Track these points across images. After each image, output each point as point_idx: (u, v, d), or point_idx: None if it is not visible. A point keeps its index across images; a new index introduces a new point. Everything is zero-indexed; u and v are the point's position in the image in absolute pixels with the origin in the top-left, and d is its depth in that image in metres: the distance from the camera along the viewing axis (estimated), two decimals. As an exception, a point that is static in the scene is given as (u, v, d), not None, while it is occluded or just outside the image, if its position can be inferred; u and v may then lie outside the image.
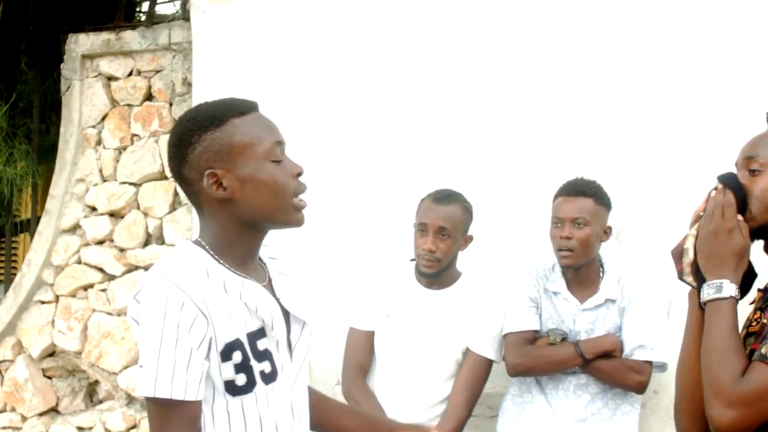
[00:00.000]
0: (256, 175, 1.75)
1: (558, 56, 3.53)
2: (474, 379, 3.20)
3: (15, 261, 4.72)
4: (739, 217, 1.86)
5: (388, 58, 3.73)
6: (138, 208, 4.33)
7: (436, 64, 3.66)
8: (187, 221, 4.19)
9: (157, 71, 4.32)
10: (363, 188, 3.71)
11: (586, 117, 3.50)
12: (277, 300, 1.83)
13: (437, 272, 3.19)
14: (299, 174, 1.80)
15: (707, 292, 1.84)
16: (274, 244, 1.93)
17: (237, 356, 1.71)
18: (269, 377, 1.76)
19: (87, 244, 4.42)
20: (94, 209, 4.42)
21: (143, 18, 4.37)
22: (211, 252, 1.77)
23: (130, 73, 4.39)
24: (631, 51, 3.48)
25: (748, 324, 1.88)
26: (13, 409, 4.52)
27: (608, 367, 3.09)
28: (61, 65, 4.46)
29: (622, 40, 3.50)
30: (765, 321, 1.81)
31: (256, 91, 3.77)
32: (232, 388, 1.72)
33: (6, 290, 4.73)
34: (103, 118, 4.42)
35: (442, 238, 3.15)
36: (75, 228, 4.46)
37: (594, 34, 3.52)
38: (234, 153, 1.75)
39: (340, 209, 3.71)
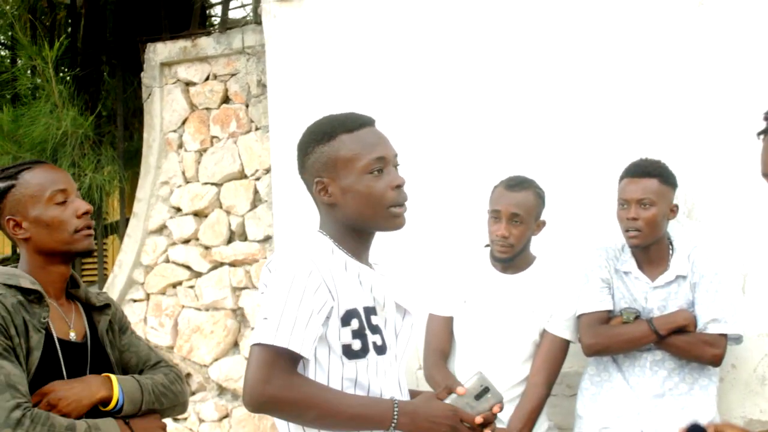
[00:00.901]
0: (355, 186, 2.02)
1: (623, 41, 3.58)
2: (551, 360, 3.28)
3: (105, 262, 4.96)
4: None
5: (456, 52, 3.82)
6: (220, 207, 4.53)
7: (505, 55, 3.74)
8: (267, 218, 4.37)
9: (233, 74, 4.51)
10: (439, 178, 3.82)
11: (655, 98, 3.54)
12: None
13: (511, 257, 3.28)
14: (398, 186, 2.04)
15: None
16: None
17: (355, 323, 1.96)
18: (380, 349, 2.01)
19: (174, 244, 4.64)
20: (178, 210, 4.64)
21: (217, 24, 4.52)
22: (333, 241, 2.05)
23: (207, 78, 4.59)
24: (694, 31, 3.51)
25: None
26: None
27: (682, 341, 3.13)
28: (141, 74, 4.69)
29: (686, 20, 3.53)
30: None
31: (328, 89, 3.92)
32: (348, 352, 1.96)
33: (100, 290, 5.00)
34: (183, 122, 4.63)
35: (515, 224, 3.24)
36: (162, 229, 4.68)
37: (659, 18, 3.55)
38: (338, 166, 2.03)
39: (419, 200, 3.82)
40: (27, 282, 2.13)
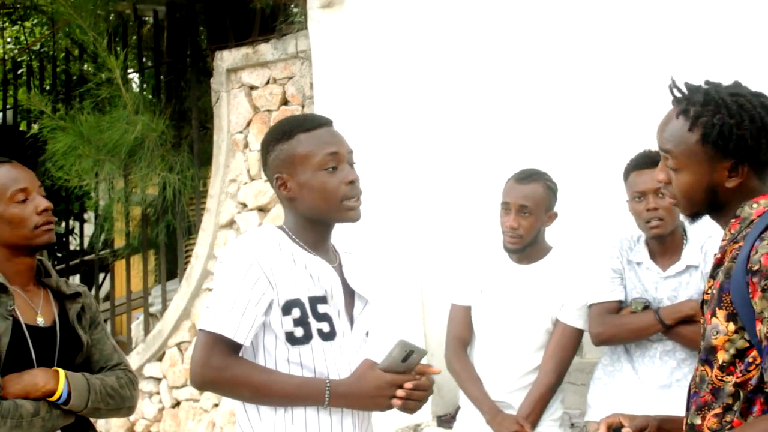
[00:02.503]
0: (311, 181, 2.19)
1: (633, 36, 3.61)
2: (562, 348, 3.36)
3: (188, 256, 5.36)
4: None
5: (484, 53, 3.98)
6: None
7: (522, 56, 3.87)
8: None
9: (289, 78, 4.79)
10: (462, 173, 3.97)
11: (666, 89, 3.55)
12: (344, 280, 2.26)
13: (521, 248, 3.38)
14: (351, 181, 2.20)
15: None
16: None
17: (296, 312, 2.15)
18: (327, 336, 2.19)
19: (241, 237, 4.96)
20: (245, 206, 4.96)
21: (278, 29, 4.81)
22: (290, 233, 2.24)
23: (268, 82, 4.89)
24: (704, 24, 3.51)
25: (704, 292, 1.95)
26: (193, 384, 5.16)
27: (689, 331, 3.10)
28: (211, 79, 5.04)
29: (698, 12, 3.53)
30: (714, 291, 1.88)
31: (371, 90, 4.14)
32: (291, 338, 2.16)
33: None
34: (248, 124, 4.95)
35: (524, 216, 3.34)
36: (231, 223, 5.02)
37: (672, 9, 3.57)
38: (296, 162, 2.21)
39: (442, 194, 4.00)
40: None
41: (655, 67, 3.57)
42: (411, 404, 2.19)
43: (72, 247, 7.86)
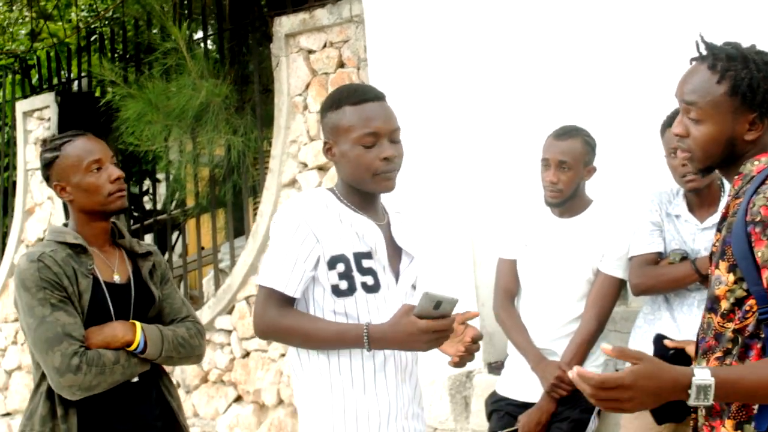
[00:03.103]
0: (348, 153, 2.37)
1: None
2: (603, 296, 3.50)
3: (255, 215, 5.60)
4: None
5: (528, 22, 4.10)
6: (342, 162, 5.03)
7: (563, 22, 3.96)
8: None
9: (345, 41, 4.96)
10: (509, 132, 4.11)
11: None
12: (392, 237, 2.46)
13: (561, 201, 3.52)
14: (386, 158, 2.35)
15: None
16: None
17: (340, 267, 2.35)
18: (371, 288, 2.38)
19: (303, 195, 5.20)
20: (305, 165, 5.18)
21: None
22: (338, 194, 2.44)
23: (324, 46, 5.07)
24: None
25: (713, 245, 2.06)
26: (259, 337, 5.46)
27: (725, 280, 3.24)
28: (270, 45, 5.25)
29: None
30: (718, 244, 2.00)
31: (422, 54, 4.29)
32: (336, 291, 2.36)
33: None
34: (307, 87, 5.15)
35: (563, 171, 3.48)
36: (293, 182, 5.25)
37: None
38: (339, 132, 2.38)
39: (489, 154, 4.15)
40: (71, 237, 2.64)
41: (694, 26, 3.64)
42: (466, 357, 2.43)
43: (148, 207, 8.24)
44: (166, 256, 6.18)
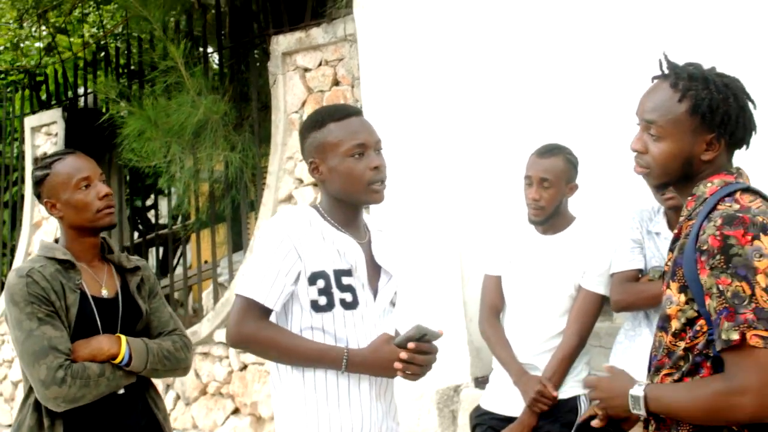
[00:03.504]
0: (339, 167, 2.45)
1: (658, 13, 3.74)
2: (584, 313, 3.54)
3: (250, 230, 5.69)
4: None
5: (516, 42, 4.17)
6: (334, 177, 5.11)
7: (550, 37, 4.02)
8: (370, 187, 4.89)
9: (340, 60, 5.05)
10: (497, 150, 4.18)
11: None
12: (372, 255, 2.53)
13: (544, 219, 3.58)
14: (376, 167, 2.44)
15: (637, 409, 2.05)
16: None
17: (320, 283, 2.42)
18: (349, 305, 2.45)
19: (298, 211, 5.28)
20: (301, 181, 5.26)
21: (327, 14, 5.07)
22: (322, 212, 2.51)
23: (320, 64, 5.17)
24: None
25: (665, 263, 2.13)
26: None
27: (704, 299, 3.29)
28: (268, 63, 5.34)
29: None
30: (670, 263, 2.07)
31: (413, 72, 4.37)
32: (315, 306, 2.43)
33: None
34: (303, 104, 5.25)
35: (545, 188, 3.53)
36: (289, 198, 5.34)
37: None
38: (326, 149, 2.47)
39: (478, 172, 4.22)
40: (60, 253, 2.71)
41: (676, 46, 3.70)
42: (412, 369, 2.41)
43: (155, 221, 8.35)
44: (178, 269, 6.26)
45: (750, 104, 2.08)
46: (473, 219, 4.26)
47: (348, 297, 2.45)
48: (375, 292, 2.53)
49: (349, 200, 2.48)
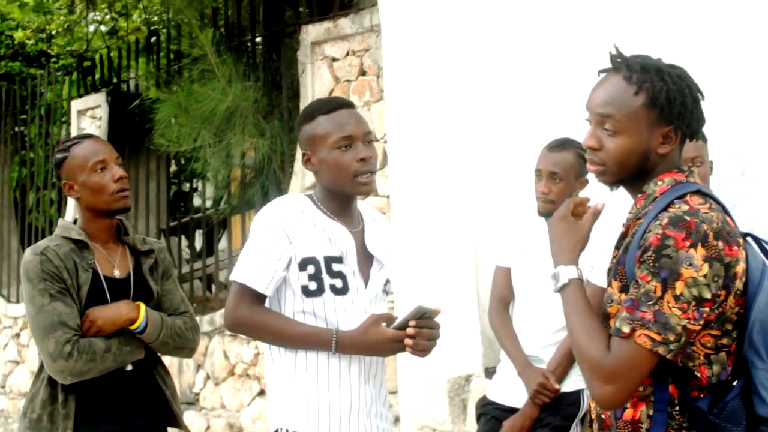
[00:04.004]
0: (327, 158, 2.52)
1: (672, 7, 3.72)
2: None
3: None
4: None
5: (533, 36, 4.18)
6: (359, 166, 5.17)
7: (563, 37, 4.04)
8: (396, 176, 4.93)
9: (366, 50, 5.11)
10: (515, 142, 4.19)
11: (708, 58, 3.66)
12: (365, 244, 2.59)
13: (553, 212, 3.59)
14: (362, 159, 2.50)
15: (552, 284, 2.03)
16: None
17: (311, 269, 2.50)
18: (339, 291, 2.53)
19: (324, 199, 5.36)
20: (327, 169, 5.32)
21: (355, 4, 5.13)
22: (315, 201, 2.59)
23: (347, 54, 5.23)
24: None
25: (610, 261, 2.11)
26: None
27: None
28: (297, 52, 5.42)
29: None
30: (614, 260, 2.04)
31: (435, 63, 4.40)
32: (306, 291, 2.51)
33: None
34: (330, 93, 5.31)
35: (555, 182, 3.54)
36: (315, 185, 5.39)
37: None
38: (316, 141, 2.55)
39: (495, 164, 4.24)
40: (75, 233, 2.82)
41: (693, 40, 3.69)
42: (421, 344, 2.45)
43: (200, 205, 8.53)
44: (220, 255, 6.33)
45: (699, 95, 2.02)
46: (489, 210, 4.29)
47: (338, 283, 2.52)
48: (366, 280, 2.59)
49: (338, 191, 2.55)
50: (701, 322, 1.84)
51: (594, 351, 1.87)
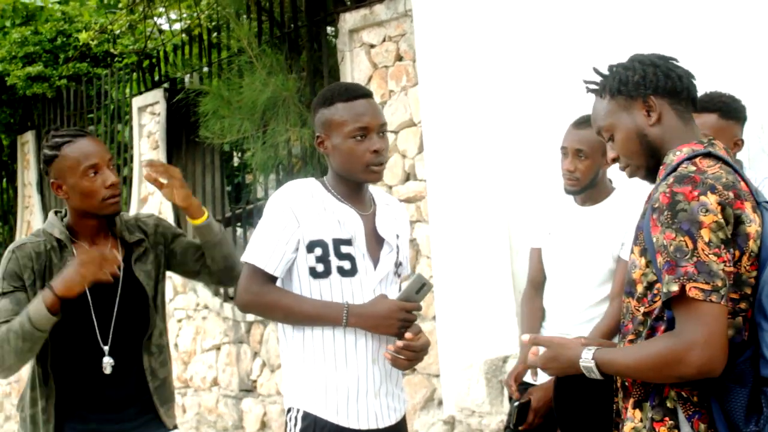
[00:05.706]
0: (341, 145, 2.59)
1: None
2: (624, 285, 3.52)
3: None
4: None
5: (561, 24, 4.15)
6: (398, 151, 5.19)
7: (589, 27, 3.99)
8: (431, 160, 4.94)
9: (402, 35, 5.12)
10: (547, 123, 4.17)
11: (733, 30, 3.57)
12: (375, 227, 2.66)
13: (579, 190, 3.56)
14: (375, 150, 2.57)
15: (592, 375, 2.07)
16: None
17: (318, 251, 2.58)
18: (347, 272, 2.60)
19: (364, 184, 5.40)
20: (366, 156, 5.36)
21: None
22: (326, 184, 2.67)
23: (384, 40, 5.25)
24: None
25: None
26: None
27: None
28: (336, 40, 5.47)
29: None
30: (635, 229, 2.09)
31: (467, 48, 4.40)
32: (313, 273, 2.59)
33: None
34: (369, 80, 5.33)
35: (580, 159, 3.51)
36: (357, 172, 5.45)
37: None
38: (332, 127, 2.61)
39: (528, 145, 4.22)
40: (58, 231, 2.75)
41: (719, 13, 3.60)
42: (399, 362, 2.56)
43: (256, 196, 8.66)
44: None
45: (676, 64, 2.16)
46: (523, 191, 4.27)
47: (346, 265, 2.58)
48: (376, 262, 2.64)
49: (348, 177, 2.61)
50: (731, 265, 1.90)
51: (658, 351, 1.92)
